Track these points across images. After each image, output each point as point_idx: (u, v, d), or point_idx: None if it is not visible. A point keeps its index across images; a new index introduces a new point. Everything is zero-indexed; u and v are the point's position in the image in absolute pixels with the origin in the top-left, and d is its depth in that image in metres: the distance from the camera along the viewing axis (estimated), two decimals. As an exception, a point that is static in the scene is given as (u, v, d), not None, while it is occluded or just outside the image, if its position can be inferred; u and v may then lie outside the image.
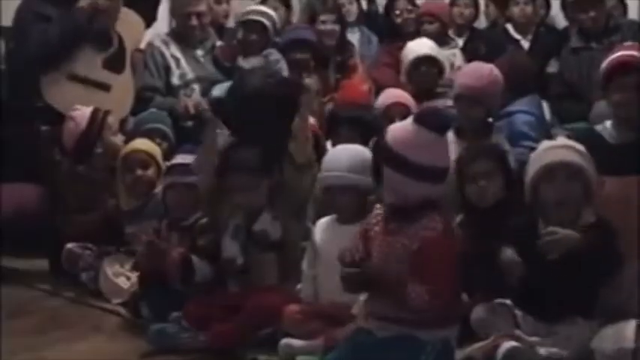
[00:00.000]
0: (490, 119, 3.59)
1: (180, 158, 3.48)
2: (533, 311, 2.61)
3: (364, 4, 5.68)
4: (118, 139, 3.93)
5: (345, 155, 2.99)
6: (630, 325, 2.44)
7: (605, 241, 2.55)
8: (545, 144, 2.84)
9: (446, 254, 2.43)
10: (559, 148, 2.78)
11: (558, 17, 5.25)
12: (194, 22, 4.63)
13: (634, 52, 3.21)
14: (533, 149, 2.99)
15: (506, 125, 3.76)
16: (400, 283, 2.41)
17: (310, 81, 4.63)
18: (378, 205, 2.61)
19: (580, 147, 2.76)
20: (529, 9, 4.97)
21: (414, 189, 2.43)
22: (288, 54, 4.69)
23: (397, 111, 3.84)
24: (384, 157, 2.45)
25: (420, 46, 4.42)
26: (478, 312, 2.61)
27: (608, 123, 3.22)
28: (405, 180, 2.42)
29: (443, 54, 4.57)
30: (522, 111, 3.78)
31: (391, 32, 5.28)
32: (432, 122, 2.45)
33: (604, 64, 3.22)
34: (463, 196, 2.98)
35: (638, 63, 3.14)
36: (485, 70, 3.58)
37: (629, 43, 3.50)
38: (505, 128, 3.72)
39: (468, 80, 3.54)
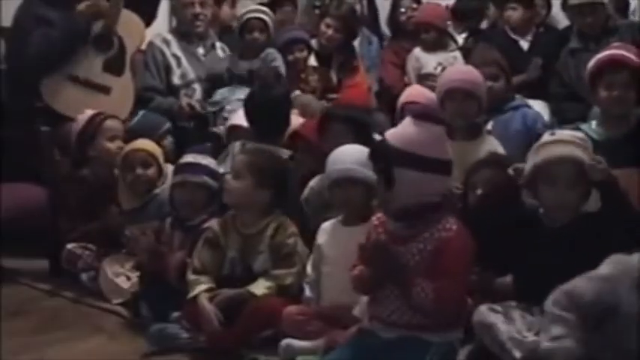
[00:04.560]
0: (479, 120, 3.58)
1: (190, 157, 3.49)
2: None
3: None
4: (114, 144, 3.90)
5: (352, 151, 2.98)
6: None
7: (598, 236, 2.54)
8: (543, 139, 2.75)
9: (459, 255, 2.42)
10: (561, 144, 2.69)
11: (558, 17, 5.25)
12: (197, 9, 4.63)
13: (623, 52, 3.25)
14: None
15: (515, 117, 3.76)
16: (407, 282, 2.40)
17: (311, 79, 4.65)
18: (378, 215, 2.59)
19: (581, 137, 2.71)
20: (517, 14, 4.93)
21: (428, 184, 2.44)
22: (284, 54, 4.69)
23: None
24: (396, 158, 2.44)
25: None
26: (480, 314, 2.60)
27: (594, 122, 3.26)
28: (419, 176, 2.42)
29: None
30: (526, 105, 3.82)
31: (396, 31, 5.30)
32: (434, 116, 2.49)
33: (591, 62, 3.26)
34: (467, 204, 2.98)
35: (627, 61, 3.18)
36: (471, 68, 3.61)
37: (617, 43, 3.56)
38: (513, 121, 3.72)
39: (458, 75, 3.51)
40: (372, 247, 2.50)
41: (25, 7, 4.28)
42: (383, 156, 2.49)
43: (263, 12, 4.78)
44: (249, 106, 3.83)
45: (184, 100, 4.45)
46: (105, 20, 4.28)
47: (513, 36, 4.98)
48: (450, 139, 3.25)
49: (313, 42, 4.90)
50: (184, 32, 4.71)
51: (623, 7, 4.89)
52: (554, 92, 4.42)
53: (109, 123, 3.95)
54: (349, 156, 2.95)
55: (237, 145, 3.75)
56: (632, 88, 3.19)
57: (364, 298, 2.67)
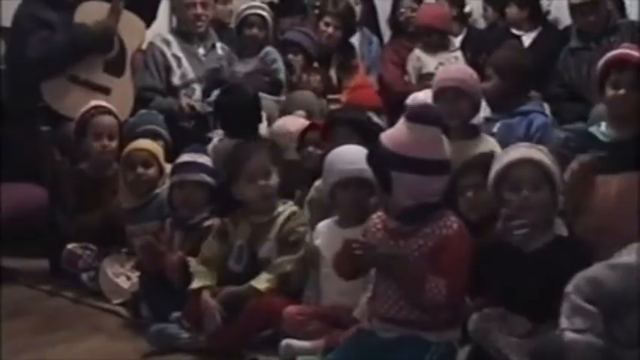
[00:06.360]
0: (475, 121, 3.56)
1: (187, 157, 3.48)
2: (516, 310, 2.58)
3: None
4: (99, 143, 3.85)
5: (357, 151, 2.94)
6: None
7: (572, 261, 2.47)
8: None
9: (463, 252, 2.44)
10: (523, 147, 2.74)
11: (560, 15, 5.24)
12: (199, 10, 4.63)
13: (632, 52, 3.24)
14: None
15: (522, 123, 3.74)
16: (414, 280, 2.39)
17: (312, 79, 4.65)
18: (379, 213, 2.59)
19: (545, 149, 2.71)
20: (513, 11, 4.97)
21: (426, 185, 2.44)
22: (281, 55, 4.71)
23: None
24: (392, 163, 2.44)
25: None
26: (473, 322, 2.58)
27: (604, 124, 3.25)
28: (416, 178, 2.42)
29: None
30: (539, 111, 3.75)
31: (396, 30, 5.30)
32: (428, 117, 2.47)
33: (601, 61, 3.25)
34: (455, 209, 2.96)
35: (633, 60, 3.18)
36: (464, 67, 3.60)
37: (628, 44, 3.54)
38: (518, 126, 3.70)
39: (449, 74, 3.49)
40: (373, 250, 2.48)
41: (24, 9, 4.28)
42: (379, 160, 2.49)
43: (262, 8, 4.78)
44: (215, 107, 3.93)
45: (184, 101, 4.46)
46: (105, 22, 4.29)
47: (517, 32, 4.99)
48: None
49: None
50: (185, 32, 4.72)
51: (619, 4, 4.90)
52: (554, 92, 4.42)
53: (96, 120, 3.91)
54: (356, 156, 2.90)
55: (215, 140, 3.84)
56: (638, 87, 3.18)
57: (364, 299, 2.68)
